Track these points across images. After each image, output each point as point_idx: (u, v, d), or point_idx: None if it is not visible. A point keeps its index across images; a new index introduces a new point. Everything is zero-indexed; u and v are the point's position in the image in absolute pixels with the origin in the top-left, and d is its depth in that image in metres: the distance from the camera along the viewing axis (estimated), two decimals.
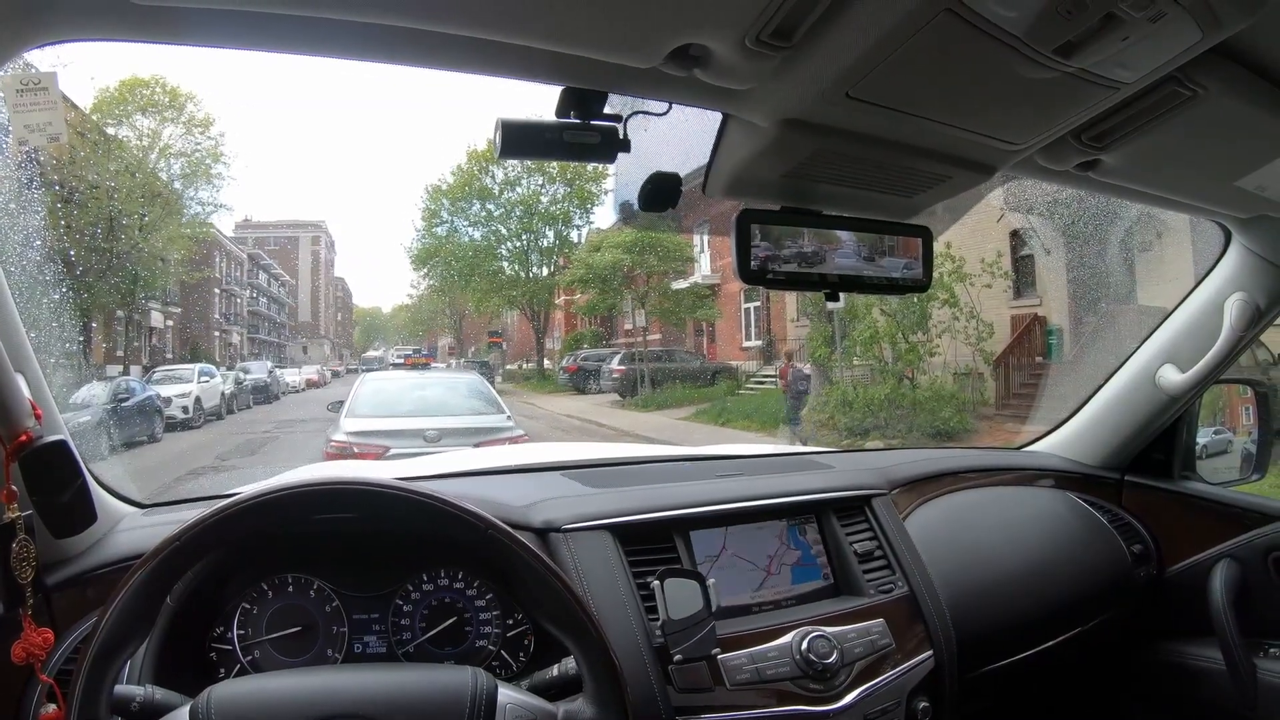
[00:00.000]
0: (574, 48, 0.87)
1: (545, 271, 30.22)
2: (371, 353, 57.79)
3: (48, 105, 1.14)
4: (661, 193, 1.10)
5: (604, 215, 29.66)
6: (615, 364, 21.93)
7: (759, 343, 21.78)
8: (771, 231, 1.15)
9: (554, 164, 27.77)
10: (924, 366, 12.48)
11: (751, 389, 18.90)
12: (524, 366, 34.26)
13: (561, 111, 0.99)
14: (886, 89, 0.92)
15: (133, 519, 1.41)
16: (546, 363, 31.10)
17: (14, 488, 0.99)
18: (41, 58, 0.99)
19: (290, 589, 1.24)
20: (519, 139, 1.00)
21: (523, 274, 29.94)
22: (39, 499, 1.02)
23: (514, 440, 6.70)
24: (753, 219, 1.14)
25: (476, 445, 6.00)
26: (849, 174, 1.14)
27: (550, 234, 29.76)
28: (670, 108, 1.02)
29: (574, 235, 29.85)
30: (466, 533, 1.06)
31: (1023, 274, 13.59)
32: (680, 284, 23.49)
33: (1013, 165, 1.18)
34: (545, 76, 0.96)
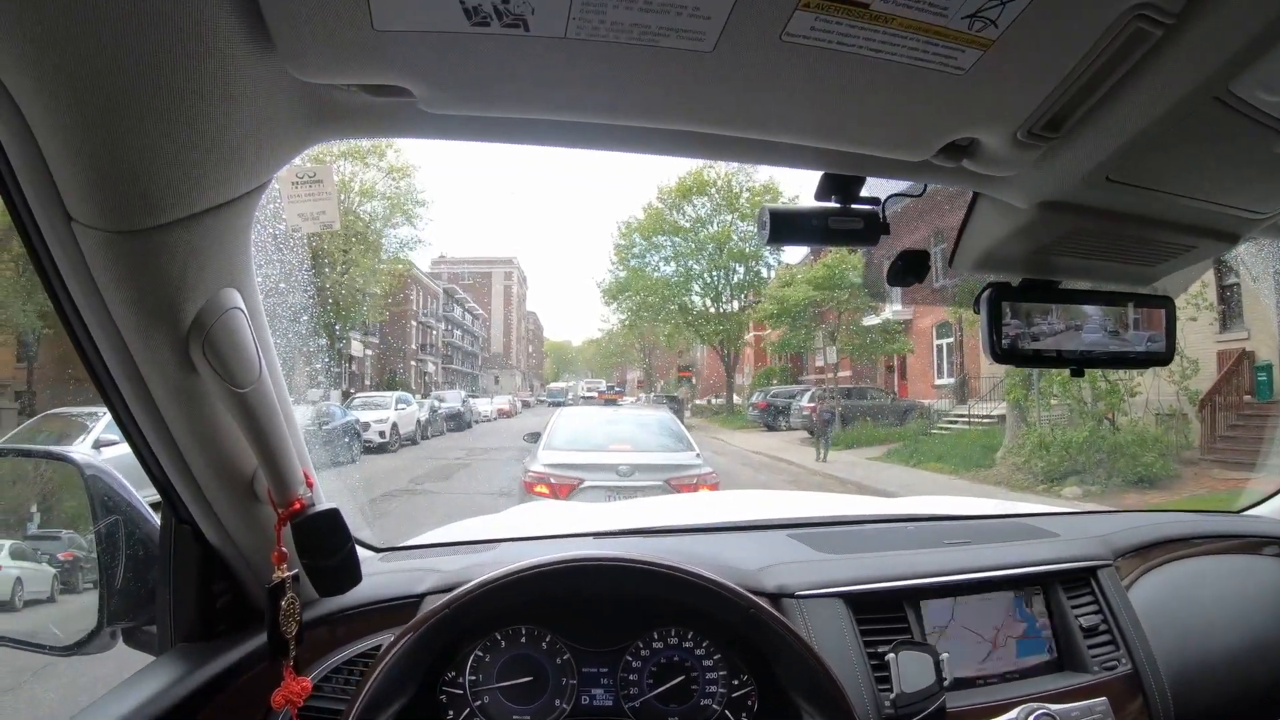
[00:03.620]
0: (844, 145, 0.92)
1: (736, 306, 31.35)
2: (557, 384, 61.61)
3: (322, 196, 1.17)
4: (911, 269, 1.17)
5: (794, 251, 30.20)
6: (805, 401, 22.29)
7: (952, 380, 21.55)
8: (1020, 308, 1.18)
9: (744, 201, 29.52)
10: (1125, 407, 12.37)
11: (944, 429, 18.73)
12: (713, 402, 35.49)
13: (821, 195, 1.06)
14: (1145, 171, 0.97)
15: (369, 563, 1.49)
16: (736, 398, 32.04)
17: (284, 549, 1.08)
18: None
19: (523, 640, 1.33)
20: (785, 226, 1.07)
21: (714, 309, 31.13)
22: (308, 561, 1.09)
23: (702, 478, 7.17)
24: (1003, 296, 1.17)
25: (666, 481, 6.85)
26: (1095, 248, 1.17)
27: (741, 269, 30.88)
28: (925, 189, 1.08)
29: (764, 271, 30.92)
30: (726, 610, 1.21)
31: (1229, 304, 13.07)
32: (871, 320, 23.61)
33: (1257, 231, 1.21)
34: (806, 164, 1.02)
